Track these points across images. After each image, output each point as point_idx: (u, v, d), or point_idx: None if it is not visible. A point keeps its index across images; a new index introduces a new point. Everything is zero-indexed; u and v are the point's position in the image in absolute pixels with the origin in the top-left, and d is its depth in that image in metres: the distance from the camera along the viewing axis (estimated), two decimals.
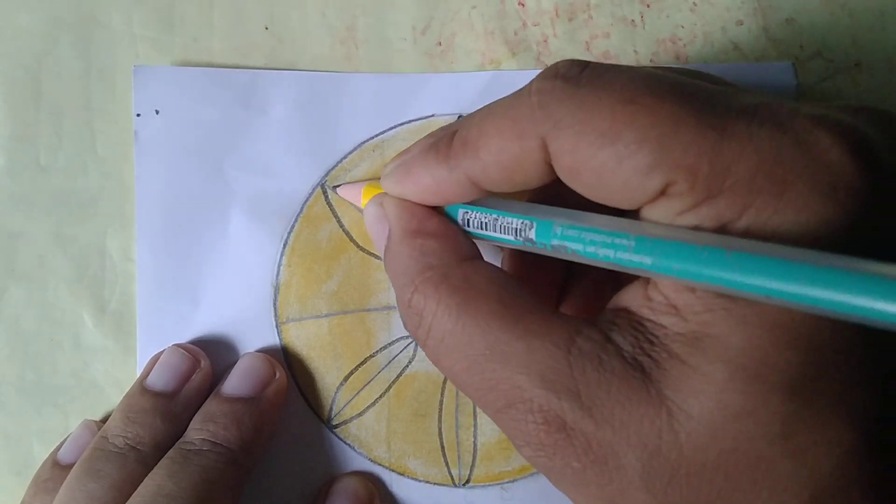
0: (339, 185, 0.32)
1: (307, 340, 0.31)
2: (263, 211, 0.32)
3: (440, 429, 0.31)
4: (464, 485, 0.31)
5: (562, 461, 0.21)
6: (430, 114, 0.33)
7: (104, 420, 0.31)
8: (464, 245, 0.24)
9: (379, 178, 0.27)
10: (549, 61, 0.33)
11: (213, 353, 0.31)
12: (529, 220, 0.23)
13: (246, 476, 0.28)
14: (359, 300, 0.32)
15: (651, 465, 0.19)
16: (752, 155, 0.18)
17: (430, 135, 0.25)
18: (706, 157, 0.19)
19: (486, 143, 0.22)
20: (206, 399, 0.30)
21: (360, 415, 0.31)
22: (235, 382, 0.30)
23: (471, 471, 0.31)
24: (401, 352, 0.31)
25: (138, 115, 0.32)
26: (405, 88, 0.33)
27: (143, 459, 0.27)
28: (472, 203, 0.24)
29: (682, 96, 0.20)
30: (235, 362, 0.31)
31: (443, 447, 0.31)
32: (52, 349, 0.32)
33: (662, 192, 0.19)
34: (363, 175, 0.32)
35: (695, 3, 0.33)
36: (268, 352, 0.31)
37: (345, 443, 0.31)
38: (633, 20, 0.33)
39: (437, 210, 0.25)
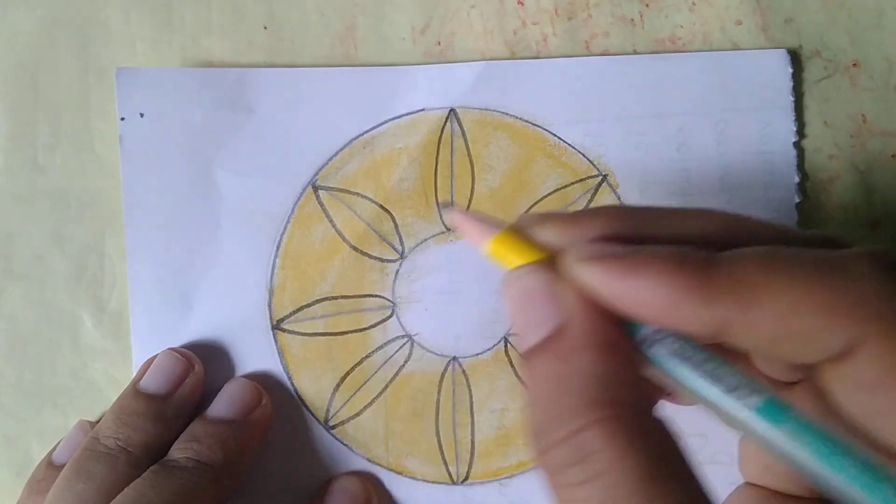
0: (448, 207, 0.29)
1: (303, 342, 0.31)
2: (254, 213, 0.32)
3: (437, 427, 0.31)
4: (462, 482, 0.31)
5: None
6: (421, 108, 0.32)
7: None
8: (644, 388, 0.19)
9: (507, 220, 0.21)
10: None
11: (208, 358, 0.31)
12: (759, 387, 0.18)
13: (227, 496, 0.28)
14: (354, 301, 0.32)
15: None
16: None
17: (660, 248, 0.19)
18: None
19: (773, 298, 0.18)
20: (198, 403, 0.30)
21: (357, 415, 0.31)
22: (221, 406, 0.30)
23: (469, 468, 0.31)
24: (397, 351, 0.31)
25: (122, 118, 0.31)
26: (394, 81, 0.32)
27: (133, 462, 0.27)
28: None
29: None
30: (231, 366, 0.31)
31: (440, 445, 0.31)
32: (50, 349, 0.32)
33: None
34: (354, 172, 0.32)
35: (694, 3, 0.33)
36: (263, 354, 0.31)
37: (342, 443, 0.31)
38: (632, 19, 0.33)
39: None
